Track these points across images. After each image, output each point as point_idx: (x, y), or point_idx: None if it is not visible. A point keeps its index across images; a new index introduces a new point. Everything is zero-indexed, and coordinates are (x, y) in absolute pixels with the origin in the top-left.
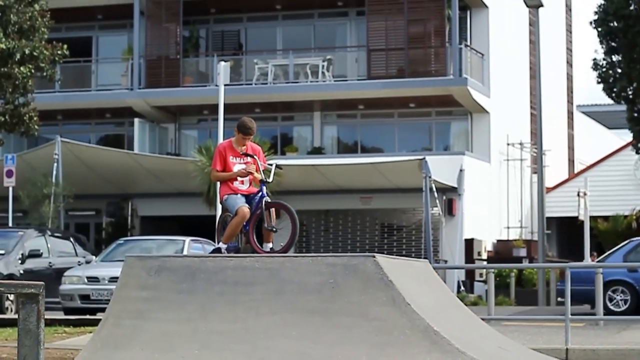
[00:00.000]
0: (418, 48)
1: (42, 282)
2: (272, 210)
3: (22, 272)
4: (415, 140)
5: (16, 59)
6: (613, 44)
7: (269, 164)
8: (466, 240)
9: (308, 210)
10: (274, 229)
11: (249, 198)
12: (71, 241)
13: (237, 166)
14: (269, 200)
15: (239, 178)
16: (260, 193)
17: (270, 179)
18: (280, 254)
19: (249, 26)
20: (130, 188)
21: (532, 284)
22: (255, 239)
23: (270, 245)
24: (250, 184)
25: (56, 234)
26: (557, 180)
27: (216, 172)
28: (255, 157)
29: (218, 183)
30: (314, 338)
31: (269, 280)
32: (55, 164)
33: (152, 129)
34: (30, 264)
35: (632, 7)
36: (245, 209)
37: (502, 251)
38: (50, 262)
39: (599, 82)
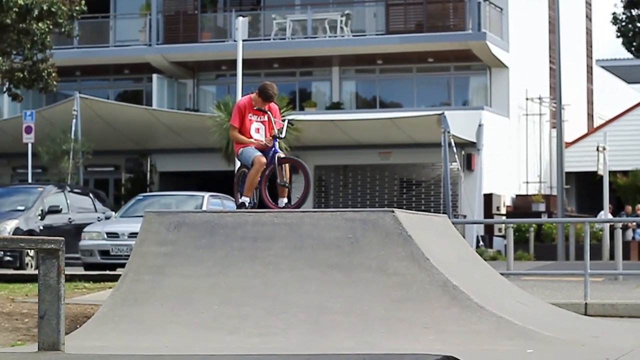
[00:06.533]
0: (437, 2)
1: (62, 238)
2: (285, 165)
3: (41, 228)
4: (434, 95)
5: (34, 15)
6: None
7: (282, 120)
8: (485, 195)
9: (327, 165)
10: (287, 185)
11: (263, 153)
12: (90, 197)
13: (254, 124)
14: (282, 156)
15: (253, 127)
16: (273, 149)
17: (283, 135)
18: (297, 209)
19: None
20: (149, 144)
21: (551, 239)
22: (268, 196)
23: (285, 200)
24: (265, 135)
25: (75, 190)
26: (576, 135)
27: (234, 128)
28: (269, 112)
29: None
30: (334, 292)
31: (288, 235)
32: (74, 120)
33: (170, 84)
34: (50, 220)
35: None
36: (262, 157)
37: (521, 206)
38: (69, 218)
39: (618, 36)
